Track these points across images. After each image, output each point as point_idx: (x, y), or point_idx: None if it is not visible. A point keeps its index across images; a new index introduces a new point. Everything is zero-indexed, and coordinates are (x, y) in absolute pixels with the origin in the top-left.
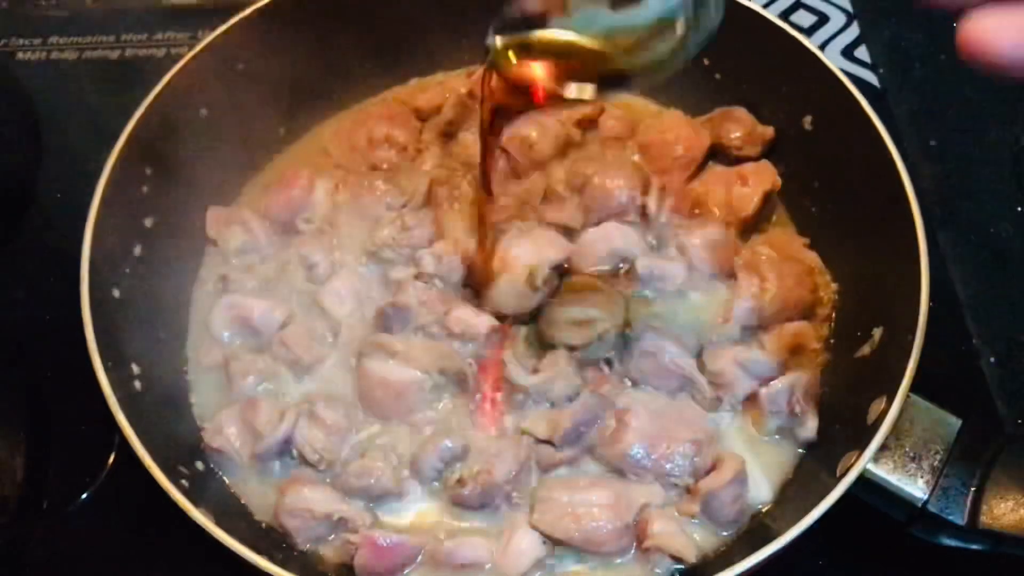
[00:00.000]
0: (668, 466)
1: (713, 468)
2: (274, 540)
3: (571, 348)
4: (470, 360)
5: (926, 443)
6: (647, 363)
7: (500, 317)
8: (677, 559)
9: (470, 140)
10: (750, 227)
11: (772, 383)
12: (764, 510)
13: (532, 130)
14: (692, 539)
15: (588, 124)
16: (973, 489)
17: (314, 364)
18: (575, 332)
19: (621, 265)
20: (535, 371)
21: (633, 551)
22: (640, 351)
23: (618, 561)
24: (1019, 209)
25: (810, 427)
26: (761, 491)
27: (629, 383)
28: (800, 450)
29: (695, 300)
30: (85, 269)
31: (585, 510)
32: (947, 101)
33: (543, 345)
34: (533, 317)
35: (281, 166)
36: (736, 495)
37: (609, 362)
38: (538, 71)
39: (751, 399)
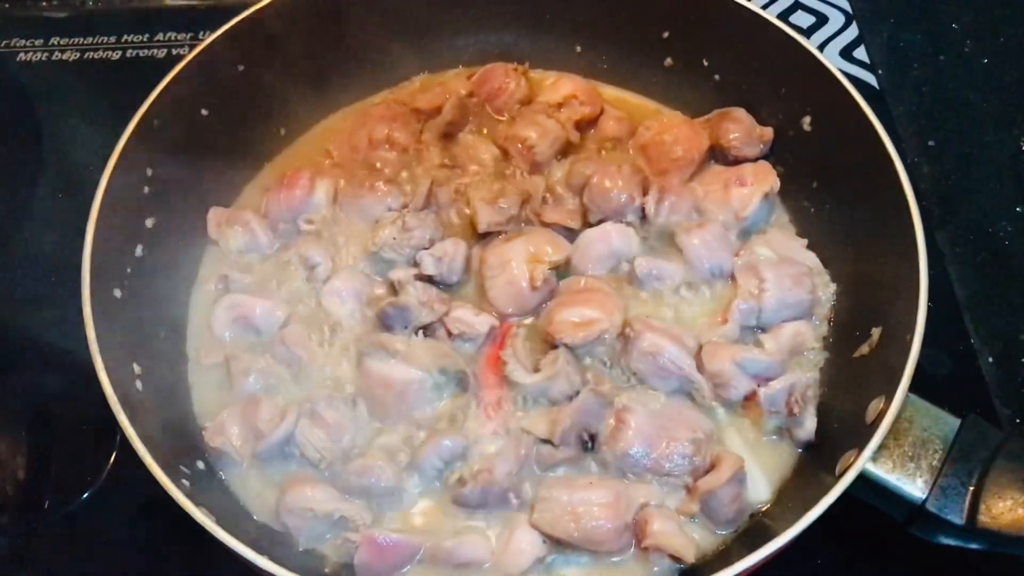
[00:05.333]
0: (667, 465)
1: (712, 467)
2: (274, 539)
3: (570, 348)
4: (472, 355)
5: (925, 443)
6: (646, 363)
7: (500, 317)
8: (676, 559)
9: (470, 141)
10: (748, 227)
11: (771, 383)
12: (763, 509)
13: (532, 131)
14: (691, 538)
15: (587, 125)
16: (971, 488)
17: (314, 363)
18: (574, 332)
19: (624, 265)
20: (536, 370)
21: (632, 550)
22: (639, 351)
23: (616, 560)
24: (1018, 209)
25: (808, 428)
26: (760, 491)
27: (628, 382)
28: (799, 450)
29: (693, 300)
30: (86, 269)
31: (585, 509)
32: (946, 102)
33: (543, 345)
34: (533, 317)
35: (281, 166)
36: (735, 494)
37: (608, 362)
38: None
39: (750, 399)
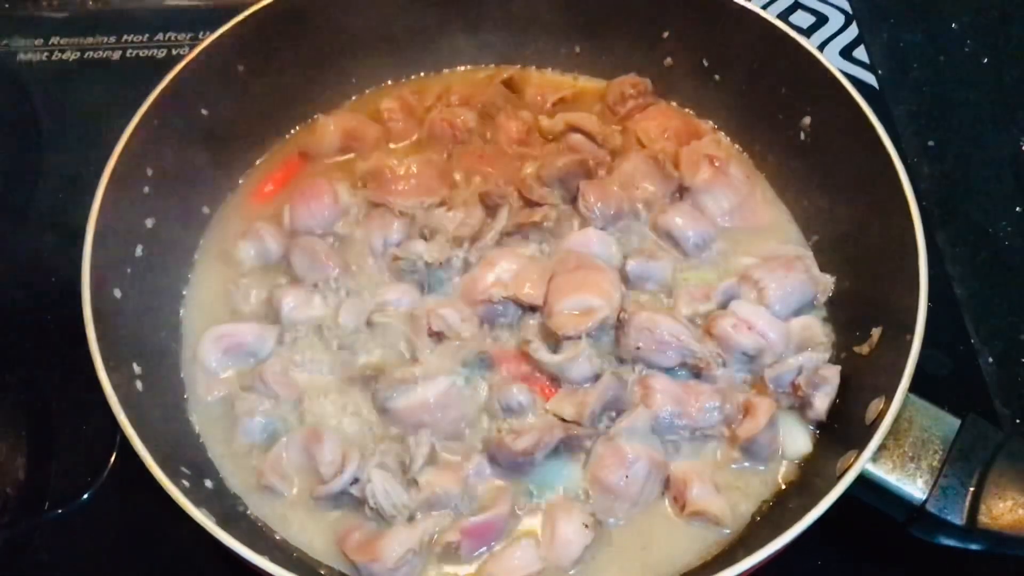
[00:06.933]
0: (700, 419)
1: (746, 414)
2: (273, 540)
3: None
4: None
5: (925, 443)
6: (644, 338)
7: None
8: (715, 522)
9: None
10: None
11: (777, 364)
12: (765, 507)
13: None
14: (727, 503)
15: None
16: (971, 489)
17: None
18: (576, 324)
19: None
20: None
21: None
22: (635, 328)
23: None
24: (1018, 209)
25: (818, 408)
26: (800, 444)
27: (633, 371)
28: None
29: (686, 276)
30: (86, 269)
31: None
32: (945, 102)
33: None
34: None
35: (281, 166)
36: (772, 435)
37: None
38: None
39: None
